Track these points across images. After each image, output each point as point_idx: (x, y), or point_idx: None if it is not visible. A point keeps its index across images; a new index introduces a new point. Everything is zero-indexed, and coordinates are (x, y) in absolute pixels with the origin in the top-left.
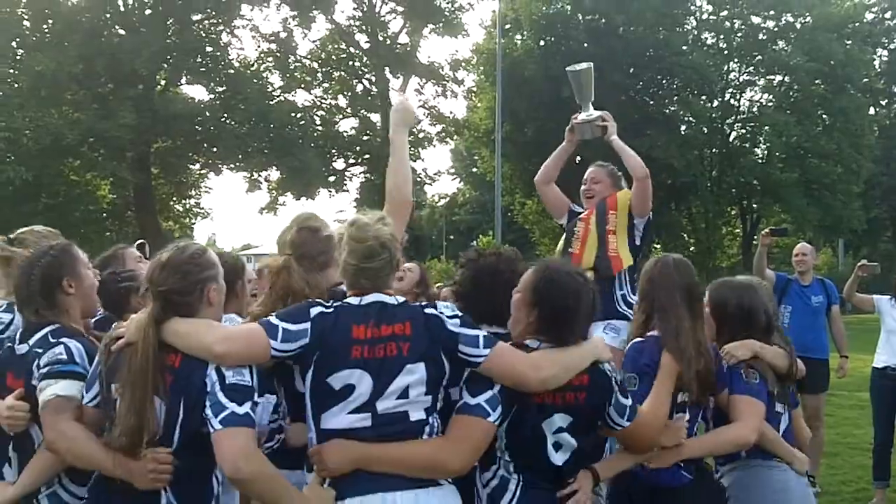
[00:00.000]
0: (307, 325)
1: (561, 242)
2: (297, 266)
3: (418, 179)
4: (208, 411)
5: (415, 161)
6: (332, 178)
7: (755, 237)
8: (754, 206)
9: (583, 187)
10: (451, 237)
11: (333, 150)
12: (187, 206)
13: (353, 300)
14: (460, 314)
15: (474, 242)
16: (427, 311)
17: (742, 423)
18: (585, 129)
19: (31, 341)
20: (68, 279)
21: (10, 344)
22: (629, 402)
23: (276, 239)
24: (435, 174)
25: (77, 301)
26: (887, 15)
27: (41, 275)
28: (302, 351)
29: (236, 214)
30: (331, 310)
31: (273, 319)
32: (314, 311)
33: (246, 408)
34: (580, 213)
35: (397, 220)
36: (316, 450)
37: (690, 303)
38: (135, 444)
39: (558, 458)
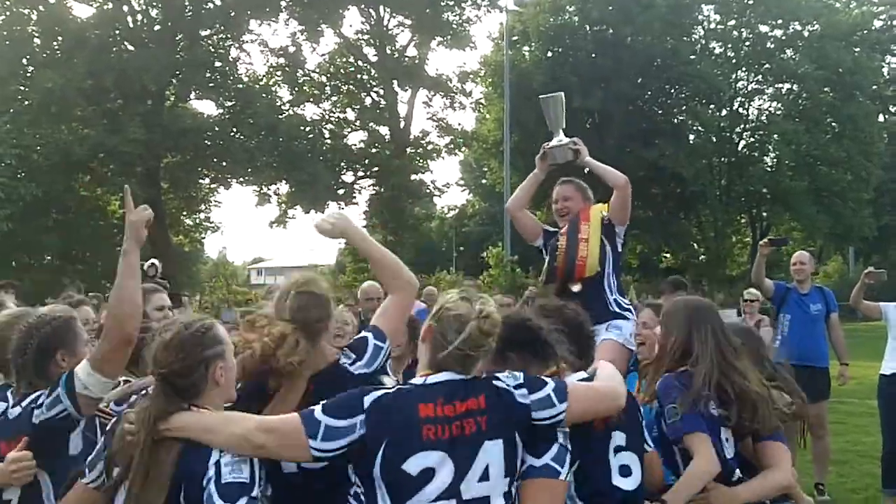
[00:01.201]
0: (358, 417)
1: (547, 261)
2: (295, 341)
3: (427, 191)
4: None
5: (423, 173)
6: (341, 191)
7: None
8: (764, 214)
9: (555, 206)
10: (461, 248)
11: (342, 164)
12: (197, 220)
13: (418, 380)
14: (523, 380)
15: (484, 254)
16: (496, 383)
17: (782, 468)
18: (558, 152)
19: (25, 403)
20: (62, 353)
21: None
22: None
23: (273, 302)
24: (444, 186)
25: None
26: (895, 22)
27: (37, 346)
28: (354, 447)
29: (246, 228)
30: (388, 391)
31: (317, 412)
32: (368, 399)
33: (242, 503)
34: (559, 230)
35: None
36: None
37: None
38: None
39: (625, 485)
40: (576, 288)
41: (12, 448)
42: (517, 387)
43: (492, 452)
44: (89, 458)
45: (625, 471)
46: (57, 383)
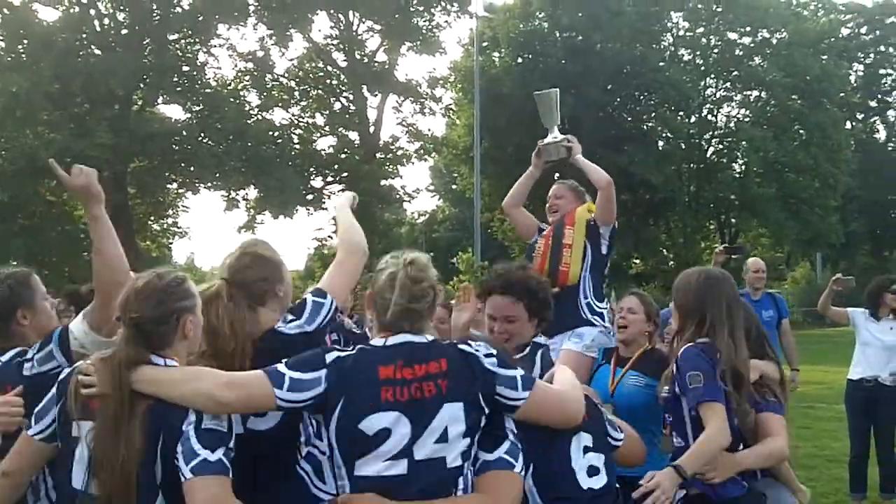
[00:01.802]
0: (321, 372)
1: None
2: (227, 296)
3: (397, 197)
4: (179, 458)
5: (393, 178)
6: (309, 197)
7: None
8: (732, 220)
9: (547, 204)
10: (431, 254)
11: (311, 169)
12: (165, 225)
13: (377, 341)
14: (496, 352)
15: (454, 260)
16: (462, 347)
17: (779, 438)
18: (552, 149)
19: (6, 357)
20: (22, 310)
21: None
22: (610, 418)
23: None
24: (414, 191)
25: (32, 332)
26: (863, 30)
27: None
28: (317, 401)
29: (214, 234)
30: (350, 352)
31: (280, 366)
32: (330, 356)
33: (219, 454)
34: (545, 230)
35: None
36: (347, 499)
37: (736, 313)
38: (125, 499)
39: (593, 483)
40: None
41: None
42: (487, 355)
43: (452, 414)
44: (36, 409)
45: (592, 471)
46: (49, 339)
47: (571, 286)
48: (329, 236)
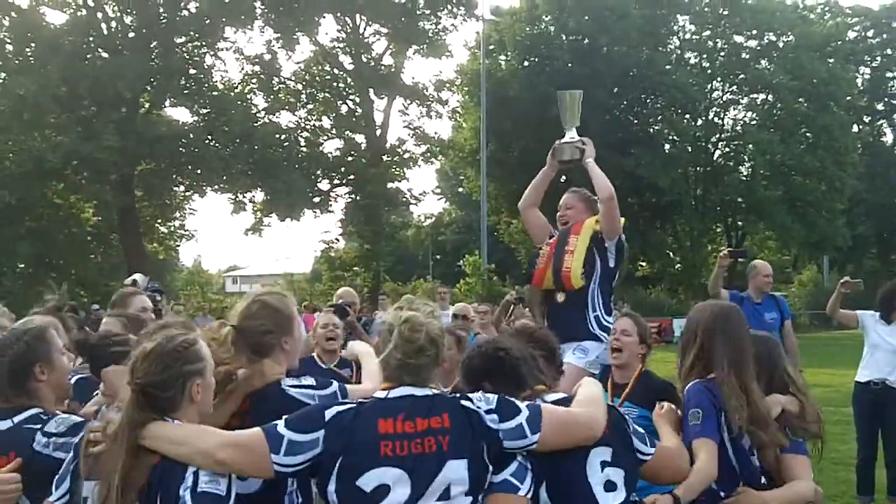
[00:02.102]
0: (319, 433)
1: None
2: (231, 342)
3: (403, 199)
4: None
5: (400, 181)
6: (316, 199)
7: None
8: (739, 223)
9: (558, 213)
10: (437, 257)
11: (318, 172)
12: (172, 228)
13: (380, 394)
14: (495, 405)
15: (461, 262)
16: (464, 403)
17: (805, 481)
18: (567, 149)
19: (17, 419)
20: (41, 365)
21: None
22: (642, 429)
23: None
24: (420, 194)
25: (49, 387)
26: (869, 33)
27: (10, 363)
28: (313, 463)
29: (221, 236)
30: (350, 406)
31: (280, 426)
32: (329, 413)
33: (223, 486)
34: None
35: None
36: None
37: (745, 355)
38: None
39: (610, 500)
40: (560, 297)
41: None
42: (488, 412)
43: (455, 471)
44: (56, 477)
45: (610, 486)
46: (75, 428)
47: (580, 296)
48: (336, 239)
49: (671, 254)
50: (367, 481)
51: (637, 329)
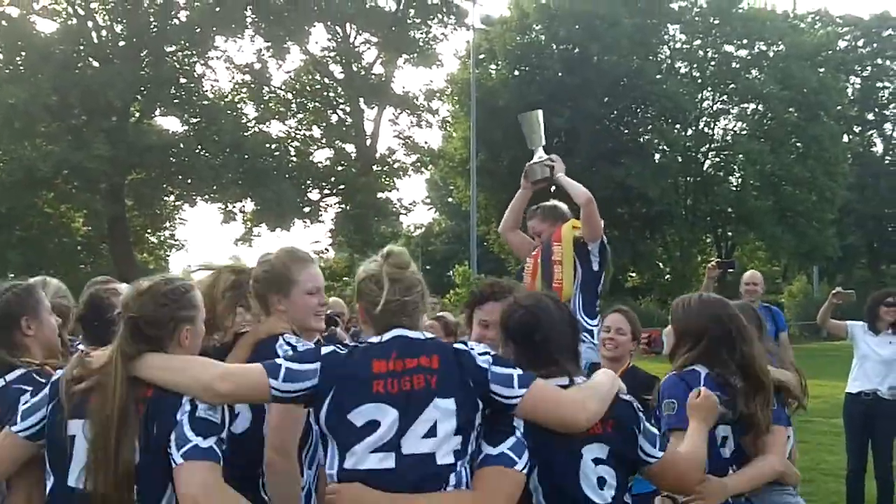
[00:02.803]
0: (316, 364)
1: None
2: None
3: (393, 209)
4: (171, 445)
5: (390, 191)
6: (306, 209)
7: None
8: (729, 233)
9: (531, 237)
10: (427, 267)
11: (308, 181)
12: (162, 237)
13: (373, 339)
14: (492, 352)
15: (450, 273)
16: (457, 346)
17: (774, 454)
18: (536, 169)
19: (10, 377)
20: (27, 319)
21: None
22: (657, 431)
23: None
24: (410, 204)
25: (36, 343)
26: (860, 43)
27: None
28: (310, 392)
29: (211, 246)
30: (346, 349)
31: (278, 360)
32: (325, 349)
33: (210, 442)
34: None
35: None
36: (335, 489)
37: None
38: (122, 495)
39: (601, 498)
40: None
41: None
42: (482, 354)
43: (442, 409)
44: (23, 407)
45: (601, 482)
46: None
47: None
48: (326, 249)
49: (661, 264)
50: (358, 415)
51: (630, 326)
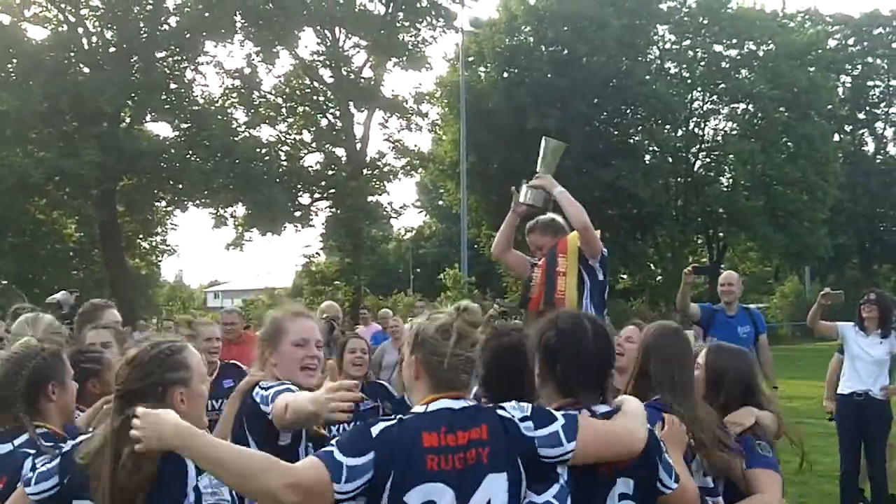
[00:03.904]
0: (370, 455)
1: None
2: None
3: (384, 213)
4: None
5: (380, 195)
6: (297, 214)
7: (722, 265)
8: (720, 234)
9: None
10: (418, 270)
11: (299, 186)
12: (153, 243)
13: (418, 409)
14: (529, 412)
15: (441, 276)
16: (500, 413)
17: (769, 495)
18: (528, 191)
19: (17, 441)
20: (54, 385)
21: None
22: (670, 461)
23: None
24: (401, 207)
25: (57, 409)
26: (850, 41)
27: (28, 377)
28: (369, 485)
29: (202, 251)
30: (393, 422)
31: (336, 453)
32: (375, 429)
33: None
34: (537, 262)
35: None
36: None
37: (689, 372)
38: None
39: None
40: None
41: None
42: (522, 419)
43: (495, 485)
44: (40, 470)
45: None
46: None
47: None
48: (317, 253)
49: (652, 265)
50: (415, 497)
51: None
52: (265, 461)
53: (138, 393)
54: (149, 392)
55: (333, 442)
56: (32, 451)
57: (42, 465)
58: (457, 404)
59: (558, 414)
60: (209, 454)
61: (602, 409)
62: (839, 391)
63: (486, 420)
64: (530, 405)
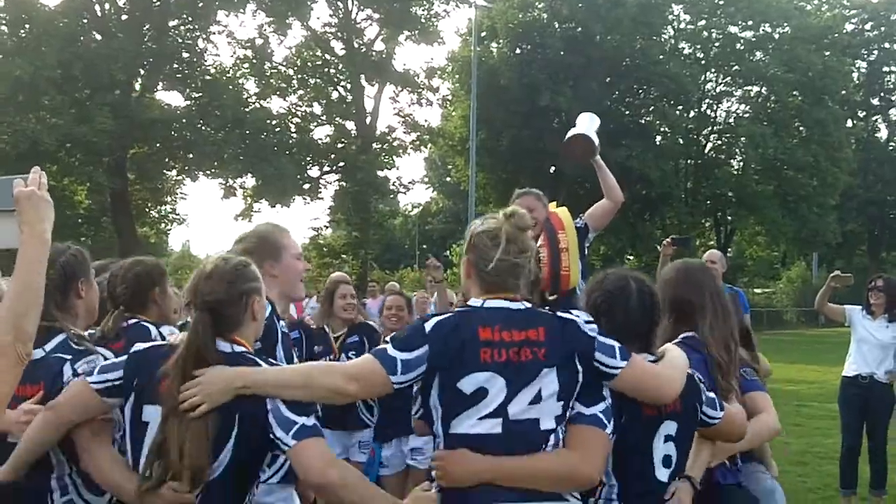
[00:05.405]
0: (424, 349)
1: None
2: None
3: (392, 188)
4: (277, 431)
5: (389, 169)
6: (306, 186)
7: (730, 249)
8: (729, 217)
9: None
10: (424, 246)
11: (308, 158)
12: (163, 211)
13: (475, 302)
14: (593, 321)
15: (447, 252)
16: (561, 314)
17: (767, 414)
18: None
19: (48, 346)
20: (83, 281)
21: None
22: (712, 394)
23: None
24: (409, 183)
25: (83, 307)
26: (867, 26)
27: (61, 270)
28: (425, 374)
29: (211, 221)
30: (448, 315)
31: (390, 350)
32: (429, 325)
33: (312, 419)
34: (538, 242)
35: None
36: (441, 455)
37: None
38: (194, 485)
39: (664, 475)
40: (551, 299)
41: (27, 391)
42: (587, 322)
43: (548, 378)
44: (103, 364)
45: (667, 461)
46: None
47: (570, 293)
48: (325, 226)
49: (659, 247)
50: (467, 384)
51: None
52: (322, 366)
53: (226, 302)
54: (235, 301)
55: (388, 338)
56: (68, 357)
57: (106, 360)
58: (514, 305)
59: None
60: (273, 380)
61: (647, 357)
62: (844, 373)
63: (545, 322)
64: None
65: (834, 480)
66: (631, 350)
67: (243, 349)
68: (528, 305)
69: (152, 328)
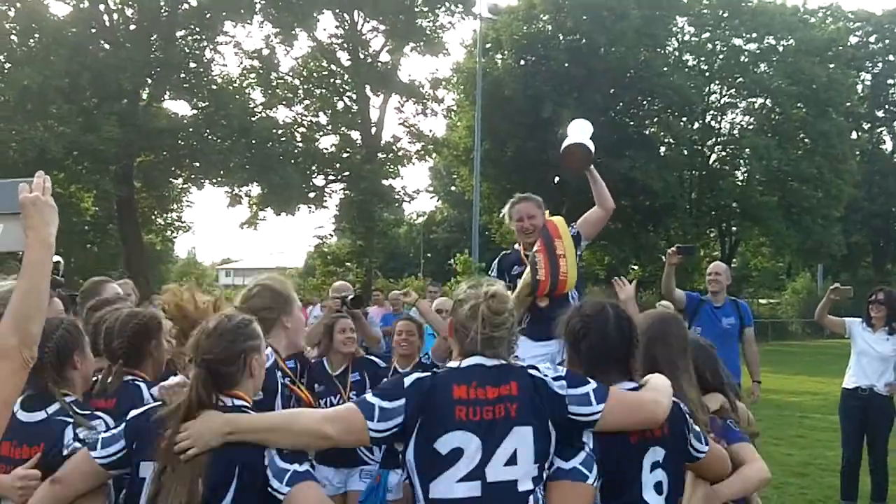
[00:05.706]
0: (402, 400)
1: (526, 274)
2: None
3: (397, 197)
4: (273, 482)
5: (394, 178)
6: (311, 195)
7: (734, 260)
8: (733, 229)
9: (519, 224)
10: (429, 255)
11: (313, 167)
12: (169, 219)
13: (452, 364)
14: (563, 373)
15: (451, 261)
16: (531, 372)
17: (755, 462)
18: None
19: (50, 410)
20: (77, 354)
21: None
22: (698, 428)
23: None
24: (413, 192)
25: (79, 377)
26: (871, 39)
27: (55, 347)
28: (400, 428)
29: (217, 229)
30: (426, 375)
31: (370, 397)
32: (408, 380)
33: (305, 465)
34: (534, 248)
35: None
36: None
37: (687, 357)
38: None
39: (658, 502)
40: (543, 304)
41: (24, 453)
42: (556, 378)
43: (522, 437)
44: (104, 436)
45: (658, 488)
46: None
47: (563, 299)
48: (329, 234)
49: (663, 258)
50: (443, 444)
51: None
52: (304, 410)
53: (224, 359)
54: (234, 359)
55: (369, 389)
56: (70, 420)
57: (105, 432)
58: (489, 362)
59: (590, 380)
60: (258, 424)
61: (628, 385)
62: (844, 385)
63: (517, 378)
64: (564, 369)
65: (835, 492)
66: (611, 376)
67: (242, 402)
68: (503, 362)
69: (144, 389)
